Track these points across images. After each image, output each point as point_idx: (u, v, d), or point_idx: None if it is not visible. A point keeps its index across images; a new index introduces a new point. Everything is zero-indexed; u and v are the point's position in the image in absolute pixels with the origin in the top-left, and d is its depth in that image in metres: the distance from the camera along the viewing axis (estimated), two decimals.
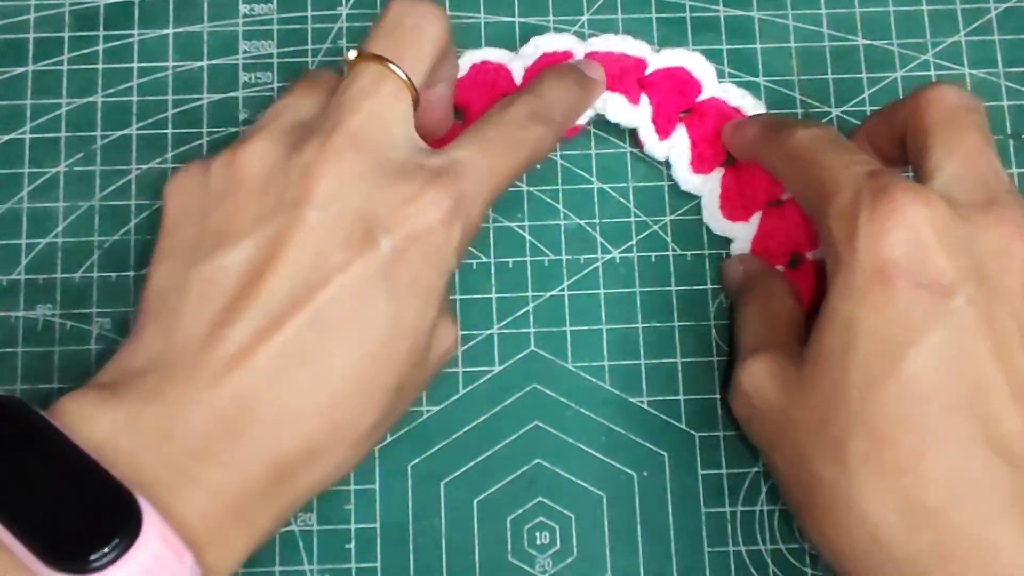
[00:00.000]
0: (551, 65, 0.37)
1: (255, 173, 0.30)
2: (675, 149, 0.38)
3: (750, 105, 0.38)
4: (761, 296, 0.35)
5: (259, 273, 0.28)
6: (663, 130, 0.38)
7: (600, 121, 0.39)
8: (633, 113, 0.38)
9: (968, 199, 0.29)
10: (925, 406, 0.27)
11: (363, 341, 0.28)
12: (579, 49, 0.38)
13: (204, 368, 0.27)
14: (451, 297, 0.35)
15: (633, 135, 0.39)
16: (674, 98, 0.38)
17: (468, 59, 0.38)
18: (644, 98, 0.38)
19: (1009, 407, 0.27)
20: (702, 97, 0.38)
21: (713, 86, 0.38)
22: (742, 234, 0.38)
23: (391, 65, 0.30)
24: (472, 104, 0.38)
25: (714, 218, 0.38)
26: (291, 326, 0.27)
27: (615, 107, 0.37)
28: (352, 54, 0.31)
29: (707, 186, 0.38)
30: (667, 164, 0.38)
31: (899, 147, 0.33)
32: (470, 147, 0.31)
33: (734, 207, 0.38)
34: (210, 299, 0.28)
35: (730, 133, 0.37)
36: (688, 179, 0.38)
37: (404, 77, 0.30)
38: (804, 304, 0.35)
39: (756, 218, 0.38)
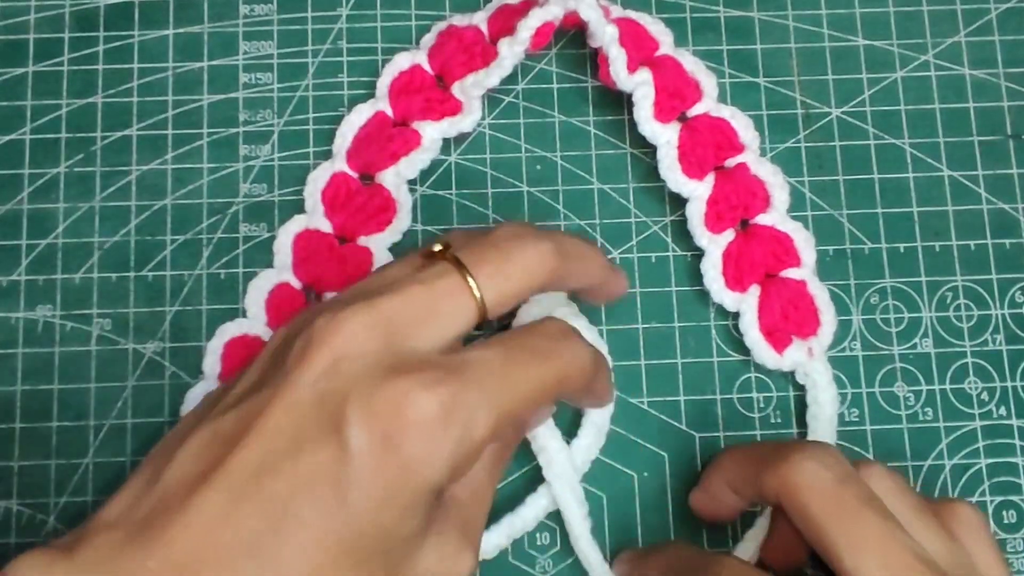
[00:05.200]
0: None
1: (276, 335, 0.29)
2: (641, 87, 0.37)
3: (702, 72, 0.38)
4: None
5: (231, 444, 0.26)
6: (631, 64, 0.37)
7: (601, 122, 0.39)
8: (603, 27, 0.37)
9: None
10: None
11: (318, 539, 0.25)
12: None
13: (160, 538, 0.25)
14: (476, 525, 0.30)
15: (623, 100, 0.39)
16: (634, 47, 0.38)
17: (434, 29, 0.39)
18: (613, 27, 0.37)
19: None
20: (659, 53, 0.39)
21: (669, 47, 0.39)
22: (696, 193, 0.37)
23: (463, 272, 0.28)
24: (449, 71, 0.38)
25: (671, 171, 0.37)
26: (244, 511, 0.25)
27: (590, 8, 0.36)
28: (437, 246, 0.29)
29: (664, 136, 0.38)
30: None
31: (757, 492, 0.30)
32: (490, 349, 0.28)
33: (690, 163, 0.37)
34: (196, 460, 0.26)
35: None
36: (647, 121, 0.37)
37: (471, 284, 0.28)
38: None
39: (710, 179, 0.38)
